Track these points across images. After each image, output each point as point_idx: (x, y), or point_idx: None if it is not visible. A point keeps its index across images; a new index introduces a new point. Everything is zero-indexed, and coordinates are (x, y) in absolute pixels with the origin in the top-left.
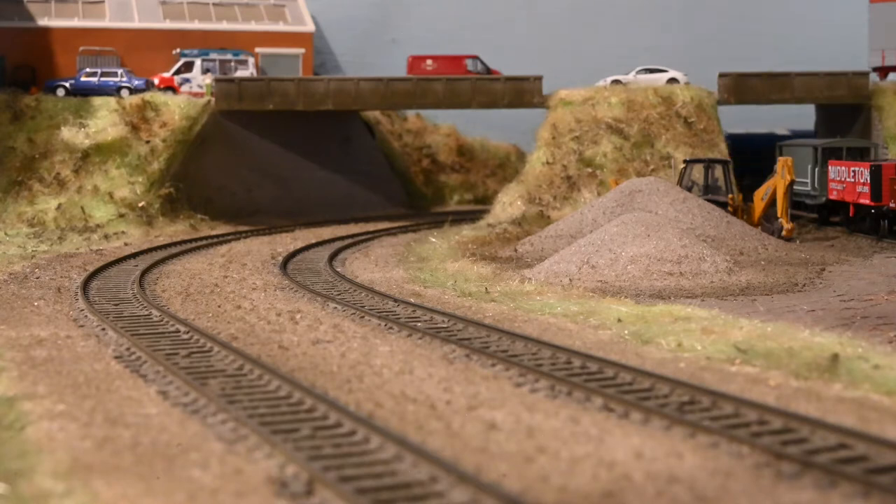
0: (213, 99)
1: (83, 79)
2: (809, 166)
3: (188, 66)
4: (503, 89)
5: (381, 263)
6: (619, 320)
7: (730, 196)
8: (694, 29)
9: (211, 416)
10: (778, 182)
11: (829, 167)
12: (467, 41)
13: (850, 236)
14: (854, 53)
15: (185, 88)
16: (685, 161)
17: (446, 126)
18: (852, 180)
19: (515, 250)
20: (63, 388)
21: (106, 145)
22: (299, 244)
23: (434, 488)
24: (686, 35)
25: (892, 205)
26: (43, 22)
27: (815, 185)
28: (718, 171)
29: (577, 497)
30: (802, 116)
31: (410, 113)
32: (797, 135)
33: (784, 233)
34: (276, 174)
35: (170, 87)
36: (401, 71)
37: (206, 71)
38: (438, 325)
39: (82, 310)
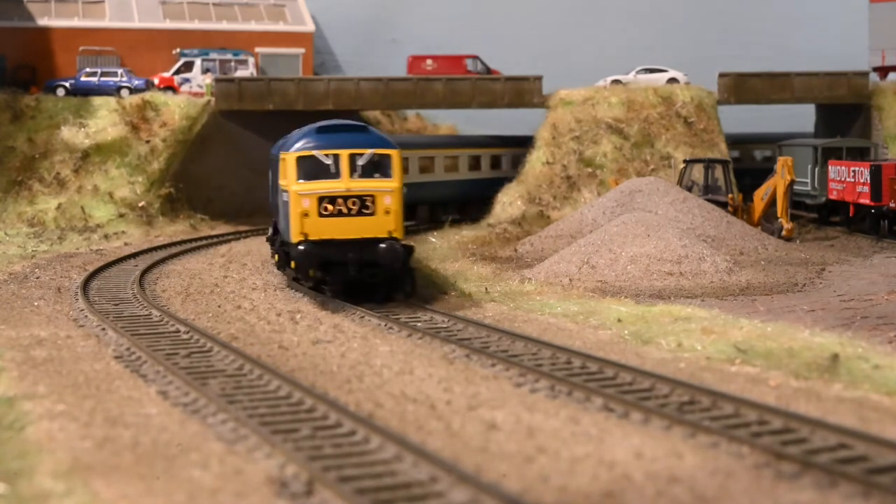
0: (213, 99)
1: (83, 79)
2: (809, 166)
3: (188, 66)
4: (503, 89)
5: None
6: (619, 320)
7: (730, 196)
8: (694, 29)
9: (211, 416)
10: (778, 182)
11: (829, 167)
12: (467, 41)
13: (850, 236)
14: (854, 53)
15: (185, 88)
16: (685, 161)
17: (446, 126)
18: (852, 180)
19: (515, 250)
20: (63, 388)
21: (106, 145)
22: None
23: (434, 488)
24: (686, 35)
25: (892, 205)
26: (43, 22)
27: (815, 185)
28: (718, 171)
29: (577, 497)
30: (802, 116)
31: (410, 113)
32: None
33: (784, 233)
34: None
35: (170, 87)
36: (401, 71)
37: (206, 71)
38: (438, 325)
39: (82, 310)
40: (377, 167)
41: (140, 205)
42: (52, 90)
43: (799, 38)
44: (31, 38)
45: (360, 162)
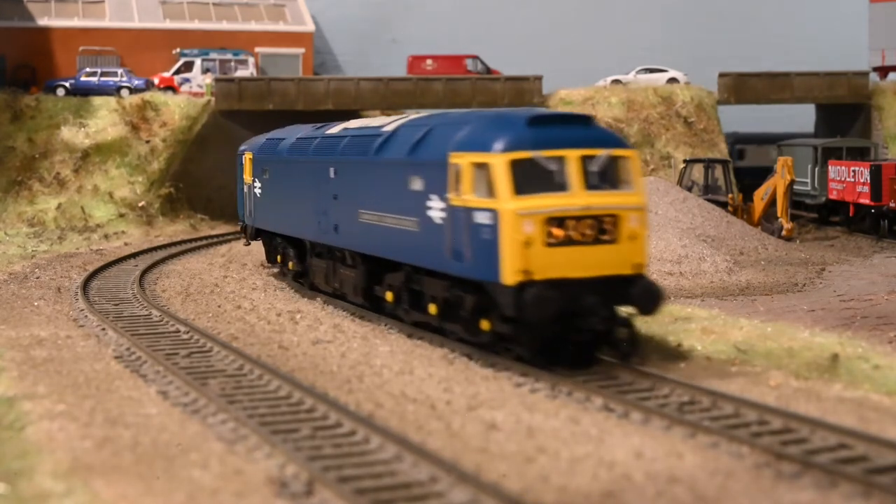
0: (213, 99)
1: (83, 79)
2: (809, 166)
3: (188, 66)
4: (503, 89)
5: None
6: None
7: (730, 196)
8: (694, 29)
9: (211, 416)
10: (778, 182)
11: (829, 167)
12: (467, 41)
13: (850, 236)
14: (854, 53)
15: (185, 88)
16: (685, 161)
17: None
18: (852, 180)
19: None
20: (63, 388)
21: (106, 145)
22: None
23: (434, 488)
24: (686, 35)
25: (892, 205)
26: (43, 22)
27: (815, 185)
28: (718, 171)
29: (577, 497)
30: (802, 116)
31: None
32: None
33: (784, 233)
34: None
35: (170, 87)
36: (401, 71)
37: (206, 71)
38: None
39: (82, 310)
40: (609, 175)
41: (140, 205)
42: (52, 90)
43: (799, 38)
44: (31, 38)
45: (594, 167)
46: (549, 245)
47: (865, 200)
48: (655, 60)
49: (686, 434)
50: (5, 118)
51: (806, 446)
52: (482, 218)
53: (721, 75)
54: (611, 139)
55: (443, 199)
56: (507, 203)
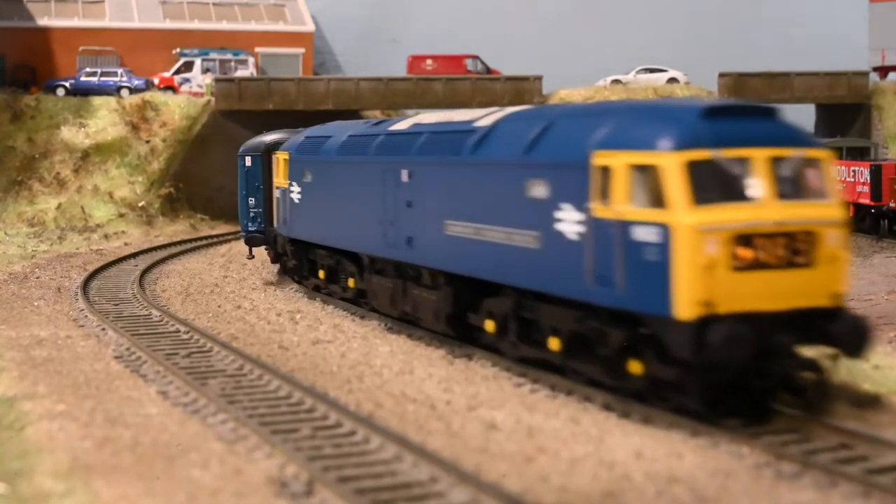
0: (213, 99)
1: (83, 78)
2: None
3: (188, 66)
4: (503, 89)
5: None
6: None
7: None
8: (694, 29)
9: (211, 416)
10: None
11: None
12: (467, 41)
13: (850, 236)
14: (854, 53)
15: (185, 88)
16: None
17: None
18: (852, 180)
19: None
20: (63, 388)
21: (106, 145)
22: None
23: (434, 488)
24: (686, 35)
25: (892, 204)
26: (43, 22)
27: None
28: None
29: (577, 497)
30: (802, 116)
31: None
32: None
33: None
34: None
35: (170, 87)
36: (401, 71)
37: (206, 71)
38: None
39: (82, 310)
40: (801, 182)
41: (140, 205)
42: (52, 90)
43: (799, 38)
44: (31, 38)
45: (785, 172)
46: (736, 269)
47: (865, 200)
48: (655, 60)
49: (686, 434)
50: (5, 118)
51: (806, 446)
52: (646, 234)
53: (721, 75)
54: (802, 137)
55: (581, 209)
56: (684, 216)
